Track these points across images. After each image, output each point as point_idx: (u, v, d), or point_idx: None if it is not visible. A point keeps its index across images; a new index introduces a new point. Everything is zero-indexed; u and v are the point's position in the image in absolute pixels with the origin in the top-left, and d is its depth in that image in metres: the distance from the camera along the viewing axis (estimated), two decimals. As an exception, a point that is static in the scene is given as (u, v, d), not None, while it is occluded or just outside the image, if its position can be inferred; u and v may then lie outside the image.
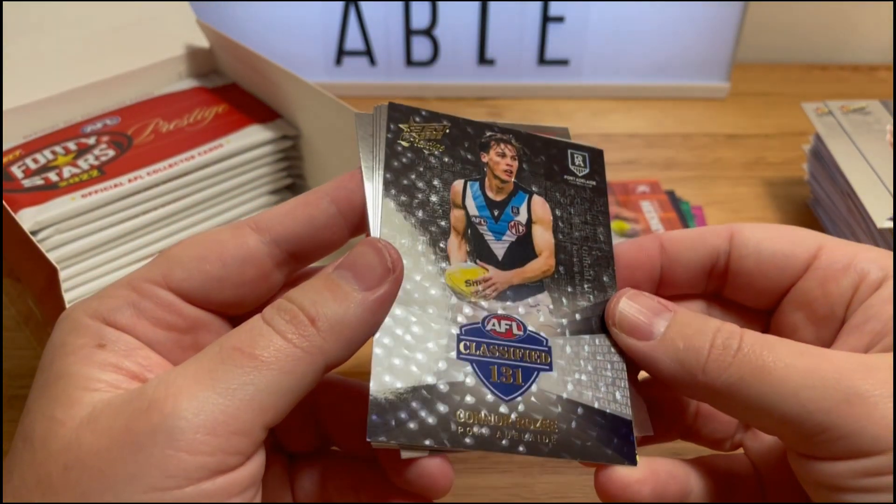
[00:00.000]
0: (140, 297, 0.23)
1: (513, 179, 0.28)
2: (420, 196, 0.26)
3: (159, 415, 0.20)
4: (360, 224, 0.26)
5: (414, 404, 0.23)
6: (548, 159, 0.29)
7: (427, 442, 0.23)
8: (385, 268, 0.23)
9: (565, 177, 0.29)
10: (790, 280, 0.26)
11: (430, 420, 0.23)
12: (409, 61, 0.73)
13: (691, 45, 0.72)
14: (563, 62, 0.73)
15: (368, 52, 0.72)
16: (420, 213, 0.26)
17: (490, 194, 0.27)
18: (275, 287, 0.25)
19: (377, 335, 0.24)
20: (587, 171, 0.29)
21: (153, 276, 0.23)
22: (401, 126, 0.27)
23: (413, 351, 0.24)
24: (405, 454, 0.23)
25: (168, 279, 0.23)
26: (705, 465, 0.27)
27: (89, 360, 0.22)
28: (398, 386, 0.23)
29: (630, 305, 0.25)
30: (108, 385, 0.21)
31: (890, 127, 0.54)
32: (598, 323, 0.26)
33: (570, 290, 0.27)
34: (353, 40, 0.72)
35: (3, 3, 0.49)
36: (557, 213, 0.28)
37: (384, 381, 0.23)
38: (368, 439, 0.22)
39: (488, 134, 0.29)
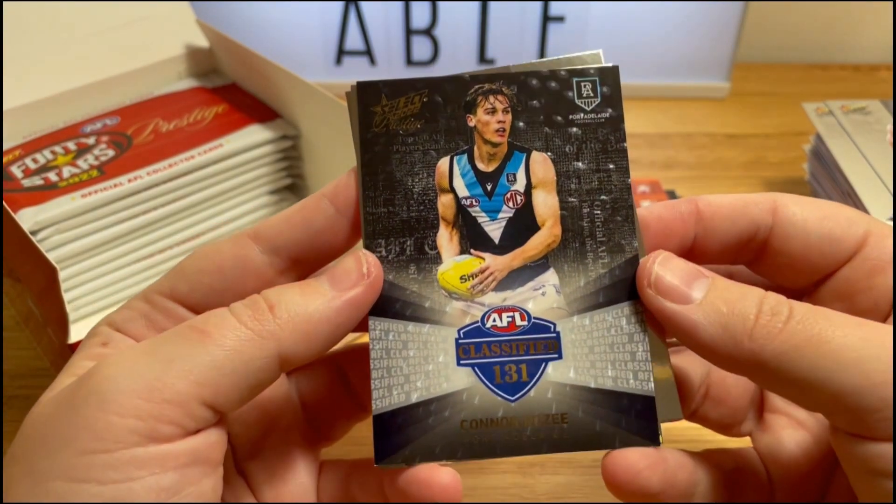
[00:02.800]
0: (152, 308, 0.24)
1: (506, 139, 0.25)
2: (404, 192, 0.24)
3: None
4: (360, 222, 0.25)
5: (418, 422, 0.23)
6: (548, 99, 0.25)
7: (442, 458, 0.22)
8: (360, 273, 0.23)
9: (571, 116, 0.25)
10: (833, 266, 0.24)
11: (437, 435, 0.23)
12: (409, 61, 0.73)
13: (691, 45, 0.72)
14: (564, 62, 0.73)
15: (368, 52, 0.72)
16: (405, 213, 0.24)
17: (481, 165, 0.25)
18: None
19: (374, 355, 0.23)
20: (598, 100, 0.25)
21: (163, 289, 0.24)
22: (372, 109, 0.25)
23: (412, 366, 0.23)
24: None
25: (175, 292, 0.24)
26: (711, 459, 0.27)
27: (89, 353, 0.23)
28: (401, 405, 0.23)
29: (666, 267, 0.23)
30: None
31: (890, 127, 0.54)
32: (617, 291, 0.24)
33: (580, 259, 0.24)
34: (353, 40, 0.72)
35: (3, 3, 0.49)
36: (563, 166, 0.25)
37: (386, 402, 0.23)
38: (377, 464, 0.22)
39: (473, 89, 0.25)
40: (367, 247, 0.24)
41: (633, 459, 0.23)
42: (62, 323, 0.37)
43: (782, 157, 0.66)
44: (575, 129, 0.25)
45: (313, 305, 0.22)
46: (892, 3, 0.79)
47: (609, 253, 0.24)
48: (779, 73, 0.79)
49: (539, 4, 0.70)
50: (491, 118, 0.25)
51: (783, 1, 0.79)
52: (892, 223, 0.46)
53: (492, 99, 0.25)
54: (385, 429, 0.22)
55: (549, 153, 0.25)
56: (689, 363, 0.28)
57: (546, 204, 0.25)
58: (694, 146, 0.67)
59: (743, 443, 0.29)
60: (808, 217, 0.24)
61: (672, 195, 0.60)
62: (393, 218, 0.24)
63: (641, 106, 0.73)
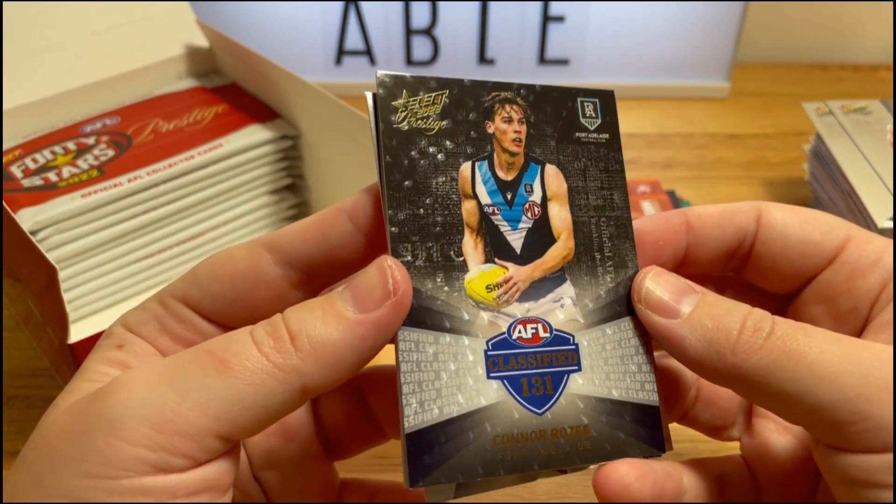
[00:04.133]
0: (165, 312, 0.23)
1: (522, 150, 0.25)
2: (430, 195, 0.23)
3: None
4: (382, 241, 0.23)
5: (454, 438, 0.22)
6: (556, 112, 0.26)
7: (477, 477, 0.22)
8: (385, 290, 0.21)
9: (577, 134, 0.26)
10: (814, 269, 0.25)
11: (473, 452, 0.22)
12: (409, 61, 0.73)
13: (691, 45, 0.72)
14: (563, 62, 0.73)
15: (368, 52, 0.72)
16: (430, 216, 0.23)
17: (500, 173, 0.25)
18: None
19: (404, 368, 0.22)
20: (599, 121, 0.26)
21: (177, 293, 0.23)
22: (394, 103, 0.24)
23: (444, 380, 0.22)
24: (430, 498, 0.22)
25: (187, 297, 0.23)
26: (697, 467, 0.27)
27: (104, 357, 0.22)
28: (435, 421, 0.22)
29: (656, 283, 0.24)
30: (109, 378, 0.21)
31: (890, 127, 0.54)
32: (622, 305, 0.25)
33: (591, 272, 0.25)
34: (353, 40, 0.72)
35: (3, 3, 0.49)
36: (572, 181, 0.25)
37: (419, 418, 0.22)
38: (410, 487, 0.21)
39: (490, 96, 0.25)
40: (393, 251, 0.23)
41: (623, 472, 0.23)
42: (62, 323, 0.37)
43: (782, 157, 0.66)
44: (580, 147, 0.26)
45: (337, 333, 0.21)
46: (892, 3, 0.79)
47: (615, 268, 0.25)
48: (779, 73, 0.79)
49: (539, 4, 0.70)
50: (508, 127, 0.25)
51: (783, 1, 0.79)
52: (891, 223, 0.46)
53: (508, 108, 0.25)
54: (419, 447, 0.21)
55: (561, 167, 0.25)
56: (681, 366, 0.28)
57: (560, 217, 0.25)
58: (694, 146, 0.67)
59: (728, 452, 0.29)
60: (790, 221, 0.25)
61: (672, 195, 0.60)
62: (418, 221, 0.23)
63: (641, 106, 0.73)
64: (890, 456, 0.20)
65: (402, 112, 0.24)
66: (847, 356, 0.21)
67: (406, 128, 0.24)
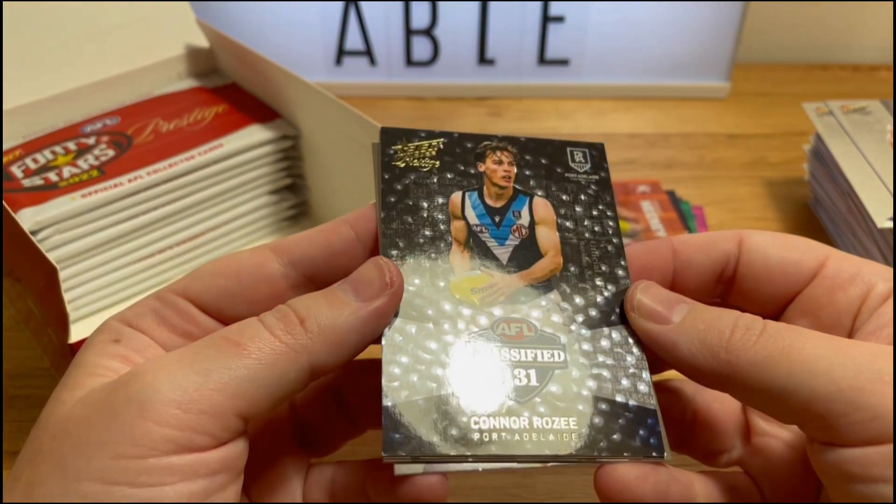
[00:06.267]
0: (162, 305, 0.24)
1: (512, 185, 0.28)
2: (420, 214, 0.27)
3: (137, 385, 0.21)
4: (377, 250, 0.26)
5: (428, 417, 0.23)
6: (547, 160, 0.29)
7: (449, 453, 0.23)
8: (383, 282, 0.24)
9: (567, 174, 0.29)
10: (796, 288, 0.26)
11: (447, 431, 0.23)
12: (409, 61, 0.73)
13: (691, 45, 0.72)
14: (564, 62, 0.73)
15: (368, 52, 0.72)
16: (422, 231, 0.27)
17: (489, 201, 0.28)
18: None
19: (387, 353, 0.24)
20: (588, 166, 0.29)
21: (176, 288, 0.25)
22: (394, 148, 0.28)
23: (422, 365, 0.24)
24: (398, 471, 0.23)
25: (187, 290, 0.24)
26: (707, 475, 0.27)
27: (103, 351, 0.23)
28: (411, 400, 0.23)
29: (647, 294, 0.25)
30: (113, 372, 0.22)
31: (890, 127, 0.54)
32: (616, 315, 0.26)
33: (581, 285, 0.26)
34: (353, 40, 0.72)
35: (3, 3, 0.49)
36: (561, 210, 0.28)
37: (397, 396, 0.23)
38: (385, 454, 0.22)
39: (483, 143, 0.29)
40: (383, 253, 0.26)
41: (623, 471, 0.23)
42: (62, 323, 0.37)
43: (782, 157, 0.66)
44: (570, 185, 0.29)
45: (342, 317, 0.23)
46: (892, 3, 0.79)
47: (605, 281, 0.27)
48: (779, 73, 0.79)
49: (539, 4, 0.70)
50: (498, 167, 0.29)
51: (783, 1, 0.79)
52: (891, 223, 0.46)
53: (499, 153, 0.29)
54: (393, 422, 0.23)
55: (550, 200, 0.28)
56: (675, 390, 0.29)
57: (548, 238, 0.28)
58: (694, 146, 0.67)
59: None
60: (770, 244, 0.27)
61: (672, 195, 0.60)
62: (408, 232, 0.26)
63: (641, 106, 0.73)
64: (887, 448, 0.20)
65: (400, 153, 0.28)
66: (840, 350, 0.21)
67: (403, 165, 0.28)
